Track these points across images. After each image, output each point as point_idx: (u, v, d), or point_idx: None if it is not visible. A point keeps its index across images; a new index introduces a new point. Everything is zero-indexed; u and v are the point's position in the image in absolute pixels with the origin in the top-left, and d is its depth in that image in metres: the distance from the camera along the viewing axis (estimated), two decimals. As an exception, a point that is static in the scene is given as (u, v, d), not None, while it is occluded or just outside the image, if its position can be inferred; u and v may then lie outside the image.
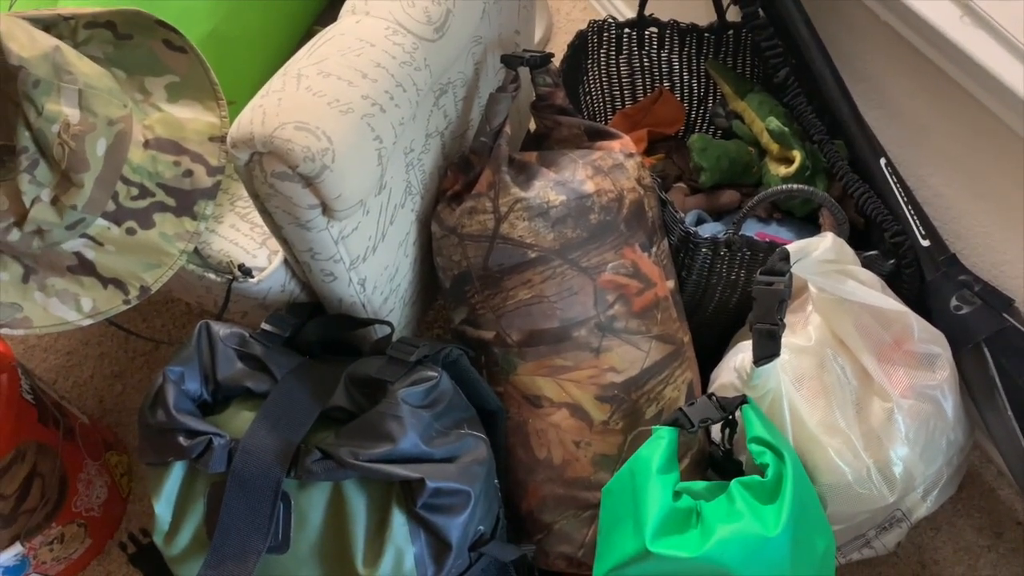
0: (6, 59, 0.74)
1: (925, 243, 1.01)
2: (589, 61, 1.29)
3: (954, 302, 0.98)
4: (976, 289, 0.98)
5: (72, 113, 0.77)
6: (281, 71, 0.78)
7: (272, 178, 0.76)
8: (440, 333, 1.36)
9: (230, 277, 0.91)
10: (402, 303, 1.04)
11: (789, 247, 0.92)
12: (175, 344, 1.37)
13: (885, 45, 1.03)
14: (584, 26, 1.25)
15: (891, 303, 0.95)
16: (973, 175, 1.00)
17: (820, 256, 0.93)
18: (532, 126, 1.12)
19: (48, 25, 0.81)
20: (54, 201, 0.79)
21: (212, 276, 0.93)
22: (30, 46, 0.75)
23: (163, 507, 0.82)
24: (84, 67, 0.79)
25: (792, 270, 0.89)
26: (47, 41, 0.77)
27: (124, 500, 1.25)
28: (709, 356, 1.06)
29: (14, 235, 0.79)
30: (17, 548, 1.06)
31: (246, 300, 0.95)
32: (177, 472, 0.82)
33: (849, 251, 0.97)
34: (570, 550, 0.98)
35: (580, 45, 1.24)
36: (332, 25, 0.83)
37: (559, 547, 0.99)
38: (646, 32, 1.27)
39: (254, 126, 0.74)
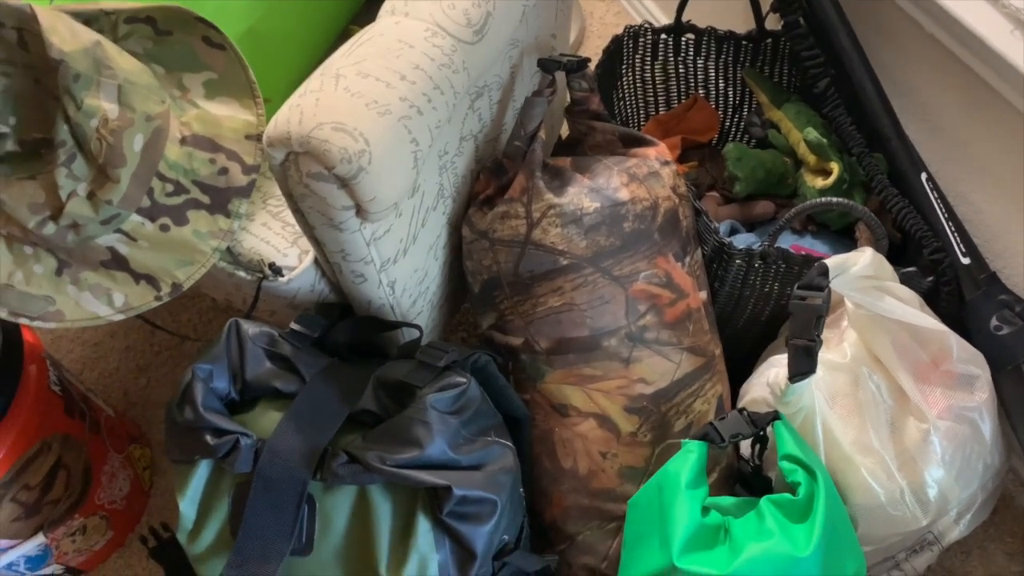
0: (47, 52, 0.74)
1: (965, 261, 0.99)
2: (624, 66, 1.27)
3: (994, 322, 0.96)
4: (1017, 309, 0.96)
5: (111, 108, 0.77)
6: (319, 70, 0.77)
7: (307, 178, 0.75)
8: (465, 336, 1.35)
9: (260, 276, 0.90)
10: (430, 306, 1.03)
11: (827, 261, 0.90)
12: (200, 340, 1.37)
13: (929, 57, 1.01)
14: (618, 30, 1.24)
15: (930, 321, 0.92)
16: (1017, 193, 0.98)
17: (859, 272, 0.91)
18: (565, 131, 1.11)
19: (89, 19, 0.81)
20: (90, 196, 0.79)
21: (242, 274, 0.92)
22: (71, 40, 0.75)
23: (188, 505, 0.81)
24: (124, 62, 0.79)
25: (830, 285, 0.87)
26: (88, 35, 0.77)
27: (146, 494, 1.25)
28: (738, 369, 1.05)
29: (49, 228, 0.79)
30: (40, 538, 1.07)
31: (275, 299, 0.95)
32: (203, 470, 0.81)
33: (888, 267, 0.95)
34: (593, 562, 0.97)
35: (616, 50, 1.23)
36: (371, 25, 0.82)
37: (582, 558, 0.97)
38: (683, 38, 1.25)
39: (291, 125, 0.73)
